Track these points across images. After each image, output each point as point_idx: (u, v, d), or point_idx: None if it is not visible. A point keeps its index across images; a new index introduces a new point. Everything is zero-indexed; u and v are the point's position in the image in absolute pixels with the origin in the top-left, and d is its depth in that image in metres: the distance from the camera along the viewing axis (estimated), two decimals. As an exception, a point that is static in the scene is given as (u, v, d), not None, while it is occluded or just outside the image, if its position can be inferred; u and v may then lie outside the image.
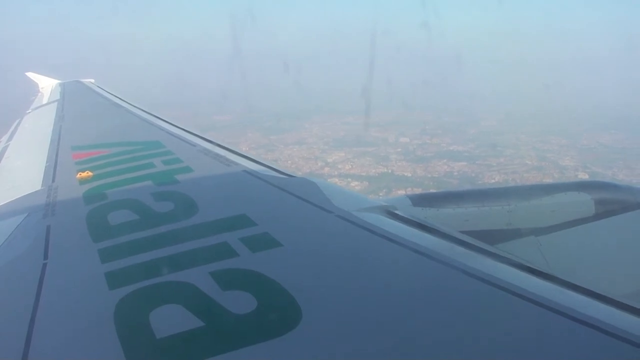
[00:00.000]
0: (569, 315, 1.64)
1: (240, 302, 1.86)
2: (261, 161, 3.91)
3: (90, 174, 3.97)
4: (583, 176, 31.04)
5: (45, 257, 2.54)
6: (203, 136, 5.02)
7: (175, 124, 5.79)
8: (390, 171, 32.39)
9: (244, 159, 3.99)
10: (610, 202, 3.88)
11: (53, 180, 4.09)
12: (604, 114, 47.95)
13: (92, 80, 11.67)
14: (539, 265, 2.20)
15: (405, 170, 32.32)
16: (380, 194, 24.54)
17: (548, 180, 30.22)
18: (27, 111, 9.16)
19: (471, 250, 2.27)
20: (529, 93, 52.43)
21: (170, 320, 1.80)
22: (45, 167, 4.57)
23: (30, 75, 13.24)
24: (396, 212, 2.75)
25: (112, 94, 9.25)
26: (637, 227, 3.87)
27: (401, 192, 24.00)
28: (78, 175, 3.97)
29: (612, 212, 3.84)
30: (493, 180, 29.60)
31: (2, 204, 3.69)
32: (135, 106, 7.60)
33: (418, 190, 25.92)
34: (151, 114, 6.70)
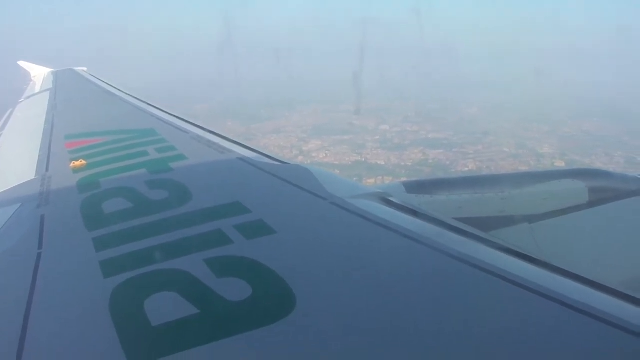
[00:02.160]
0: (562, 302, 1.65)
1: (235, 290, 1.87)
2: (255, 148, 3.89)
3: (83, 162, 3.96)
4: (559, 164, 31.17)
5: (40, 246, 2.52)
6: (197, 124, 4.99)
7: (169, 112, 5.76)
8: (364, 159, 32.41)
9: (237, 146, 3.99)
10: (604, 190, 3.90)
11: (47, 170, 4.05)
12: (592, 101, 47.86)
13: (85, 69, 11.57)
14: (532, 252, 2.21)
15: (379, 159, 32.36)
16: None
17: (523, 167, 30.44)
18: (20, 100, 9.10)
19: (465, 237, 2.26)
20: (520, 80, 52.34)
21: (165, 308, 1.80)
22: (39, 156, 4.53)
23: (23, 64, 13.12)
24: (390, 199, 2.75)
25: (105, 82, 9.18)
26: (630, 215, 3.90)
27: (371, 181, 24.28)
28: (72, 164, 3.94)
29: (605, 200, 3.87)
30: (466, 169, 29.72)
31: None
32: (128, 94, 7.53)
33: (389, 179, 26.27)
34: (144, 102, 6.66)
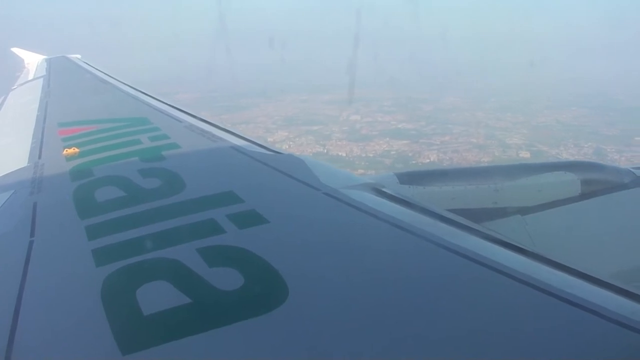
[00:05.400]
0: (554, 294, 1.66)
1: (227, 279, 1.87)
2: (248, 137, 3.89)
3: (76, 150, 3.94)
4: (525, 155, 31.45)
5: (32, 234, 2.51)
6: (190, 112, 4.98)
7: (163, 100, 5.75)
8: (325, 151, 32.55)
9: (231, 136, 4.00)
10: (596, 182, 3.94)
11: (39, 157, 4.03)
12: (575, 90, 47.77)
13: (79, 56, 11.48)
14: (525, 244, 2.22)
15: (342, 150, 32.52)
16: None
17: (487, 159, 30.84)
18: (13, 87, 9.08)
19: (458, 228, 2.27)
20: (507, 70, 52.26)
21: (157, 297, 1.80)
22: (31, 143, 4.51)
23: (16, 50, 13.05)
24: (383, 189, 2.77)
25: (98, 70, 9.17)
26: (622, 207, 3.95)
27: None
28: (64, 152, 3.92)
29: (597, 192, 3.91)
30: (428, 160, 29.89)
31: None
32: (122, 82, 7.52)
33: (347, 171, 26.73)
34: (138, 90, 6.65)
